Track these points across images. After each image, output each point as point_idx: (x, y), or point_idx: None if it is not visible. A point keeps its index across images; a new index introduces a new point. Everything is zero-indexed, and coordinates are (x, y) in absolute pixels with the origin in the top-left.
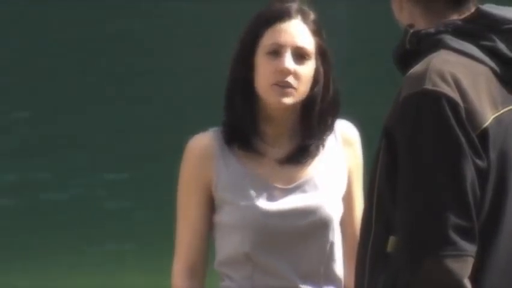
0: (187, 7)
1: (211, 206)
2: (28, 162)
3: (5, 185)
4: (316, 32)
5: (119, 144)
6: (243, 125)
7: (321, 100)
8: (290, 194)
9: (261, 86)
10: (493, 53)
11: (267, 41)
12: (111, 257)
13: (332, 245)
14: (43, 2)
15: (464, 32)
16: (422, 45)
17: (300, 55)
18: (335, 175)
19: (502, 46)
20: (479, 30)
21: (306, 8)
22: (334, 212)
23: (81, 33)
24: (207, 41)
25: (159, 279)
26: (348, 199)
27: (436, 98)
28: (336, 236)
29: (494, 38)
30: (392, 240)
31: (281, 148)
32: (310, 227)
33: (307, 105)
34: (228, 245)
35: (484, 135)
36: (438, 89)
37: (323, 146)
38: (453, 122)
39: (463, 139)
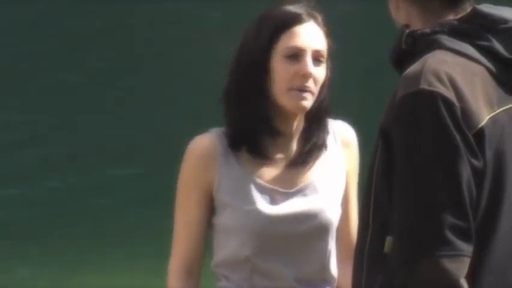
0: (186, 6)
1: (210, 207)
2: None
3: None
4: (328, 33)
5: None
6: (256, 128)
7: (326, 104)
8: (292, 197)
9: (279, 90)
10: (489, 52)
11: (284, 45)
12: (111, 257)
13: (331, 248)
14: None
15: (460, 31)
16: (418, 45)
17: (317, 58)
18: (335, 177)
19: (498, 46)
20: (476, 30)
21: (312, 9)
22: (334, 215)
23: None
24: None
25: (157, 279)
26: (344, 200)
27: (432, 97)
28: (334, 238)
29: (491, 38)
30: (389, 240)
31: (286, 152)
32: (311, 230)
33: (315, 110)
34: (227, 247)
35: (479, 135)
36: (434, 88)
37: (326, 148)
38: (449, 121)
39: (458, 139)
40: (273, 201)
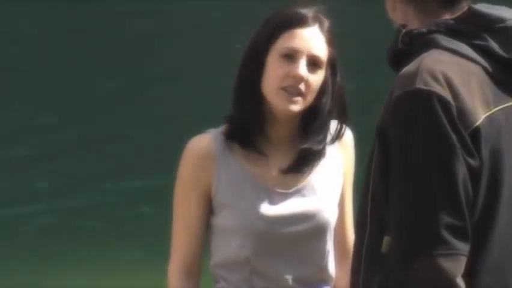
0: (194, 6)
1: (208, 208)
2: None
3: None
4: (331, 41)
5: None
6: (248, 124)
7: (328, 111)
8: (290, 198)
9: (269, 88)
10: (485, 52)
11: (282, 44)
12: (112, 257)
13: (329, 248)
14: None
15: (456, 31)
16: (414, 44)
17: (313, 63)
18: (332, 178)
19: (494, 45)
20: (472, 29)
21: (321, 15)
22: (332, 215)
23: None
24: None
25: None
26: (340, 200)
27: (428, 97)
28: (332, 239)
29: (487, 37)
30: (386, 240)
31: (283, 153)
32: (309, 231)
33: (313, 114)
34: (226, 248)
35: (476, 134)
36: (429, 88)
37: (324, 152)
38: (444, 121)
39: (454, 138)
40: (271, 202)
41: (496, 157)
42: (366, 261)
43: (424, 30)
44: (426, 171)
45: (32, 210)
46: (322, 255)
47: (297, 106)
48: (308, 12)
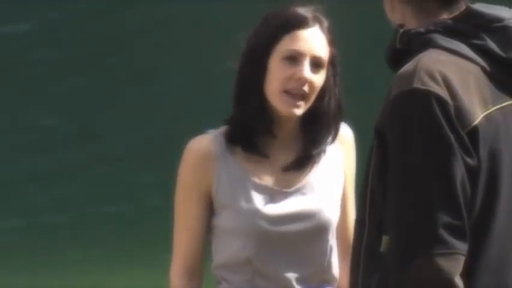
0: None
1: (209, 208)
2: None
3: None
4: (331, 41)
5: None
6: (250, 125)
7: (329, 110)
8: (291, 197)
9: (272, 90)
10: (483, 51)
11: (284, 46)
12: (113, 257)
13: (331, 247)
14: None
15: (454, 31)
16: (412, 44)
17: (316, 64)
18: (333, 177)
19: (492, 45)
20: (470, 29)
21: (320, 14)
22: (333, 214)
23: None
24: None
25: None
26: (342, 200)
27: (425, 96)
28: (334, 238)
29: (485, 36)
30: (385, 239)
31: (284, 153)
32: (311, 230)
33: (314, 113)
34: (227, 249)
35: (473, 133)
36: (427, 87)
37: (325, 151)
38: (442, 120)
39: (452, 138)
40: (272, 201)
41: (494, 156)
42: (365, 261)
43: (422, 30)
44: (424, 170)
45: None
46: (324, 255)
47: (301, 109)
48: (307, 12)
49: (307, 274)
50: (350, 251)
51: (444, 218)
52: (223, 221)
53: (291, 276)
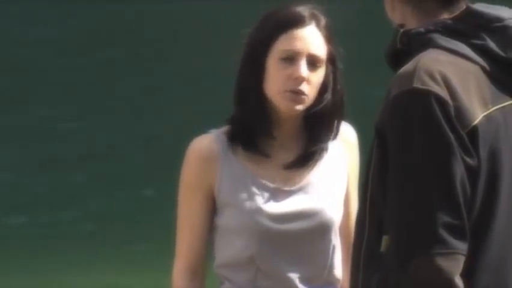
0: (196, 6)
1: (212, 208)
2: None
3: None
4: (329, 38)
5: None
6: (251, 124)
7: (330, 108)
8: (293, 195)
9: (272, 91)
10: (483, 51)
11: (281, 46)
12: (114, 257)
13: (334, 247)
14: None
15: (454, 30)
16: (412, 44)
17: (313, 62)
18: (336, 177)
19: (492, 45)
20: (470, 29)
21: (318, 12)
22: (336, 213)
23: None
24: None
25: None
26: (345, 200)
27: (425, 96)
28: (337, 238)
29: (485, 36)
30: (385, 239)
31: (285, 151)
32: (313, 229)
33: (315, 112)
34: (230, 248)
35: (473, 133)
36: (427, 87)
37: (326, 150)
38: (442, 120)
39: (452, 137)
40: (275, 199)
41: (494, 156)
42: (365, 261)
43: (422, 29)
44: (424, 171)
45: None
46: (326, 254)
47: (301, 106)
48: (304, 10)
49: (309, 274)
50: None
51: (444, 218)
52: (226, 219)
53: (294, 275)
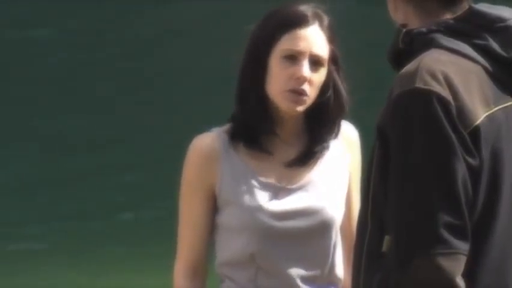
0: (198, 6)
1: (213, 207)
2: None
3: None
4: (332, 38)
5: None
6: (253, 123)
7: (332, 107)
8: (294, 193)
9: (274, 90)
10: (485, 51)
11: (284, 45)
12: (115, 257)
13: (335, 246)
14: None
15: (456, 30)
16: (414, 44)
17: (315, 62)
18: (337, 176)
19: (494, 45)
20: (472, 29)
21: (321, 11)
22: (336, 212)
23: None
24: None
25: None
26: (346, 199)
27: (427, 96)
28: (338, 237)
29: (487, 36)
30: (387, 239)
31: (287, 149)
32: (314, 227)
33: (317, 110)
34: (231, 247)
35: (475, 133)
36: (429, 87)
37: (328, 148)
38: (444, 120)
39: (453, 137)
40: (276, 197)
41: (496, 156)
42: (367, 262)
43: (424, 29)
44: (426, 171)
45: None
46: (327, 253)
47: (302, 106)
48: (307, 10)
49: (310, 273)
50: None
51: (445, 218)
52: (227, 217)
53: (294, 274)
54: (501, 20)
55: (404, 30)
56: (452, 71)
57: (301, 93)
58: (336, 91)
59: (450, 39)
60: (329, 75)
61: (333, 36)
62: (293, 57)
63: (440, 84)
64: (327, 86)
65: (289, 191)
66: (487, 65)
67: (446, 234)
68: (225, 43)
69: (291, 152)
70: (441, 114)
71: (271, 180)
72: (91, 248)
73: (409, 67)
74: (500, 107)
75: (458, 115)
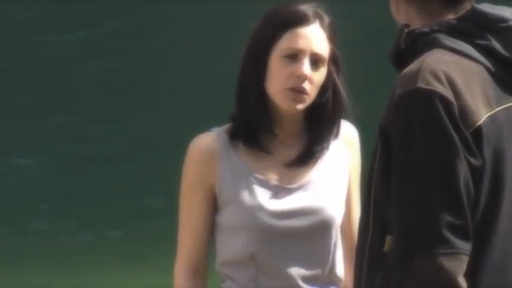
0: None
1: (213, 206)
2: None
3: None
4: (332, 38)
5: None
6: (253, 122)
7: (331, 107)
8: (294, 193)
9: (274, 88)
10: (488, 52)
11: (284, 44)
12: (116, 257)
13: (335, 246)
14: None
15: (458, 31)
16: (417, 44)
17: (315, 61)
18: (337, 175)
19: (497, 45)
20: (474, 29)
21: (321, 11)
22: (336, 212)
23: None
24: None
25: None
26: (346, 199)
27: (429, 96)
28: (338, 237)
29: (489, 37)
30: (389, 239)
31: (287, 149)
32: (314, 226)
33: (317, 110)
34: (231, 246)
35: (477, 133)
36: (431, 87)
37: (328, 148)
38: (446, 120)
39: (456, 137)
40: (275, 197)
41: (498, 156)
42: (368, 262)
43: (426, 29)
44: (428, 170)
45: None
46: (328, 253)
47: (302, 105)
48: (308, 9)
49: (311, 272)
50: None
51: (447, 218)
52: (227, 217)
53: (295, 274)
54: (503, 20)
55: (407, 30)
56: (454, 71)
57: (302, 91)
58: (336, 91)
59: (452, 39)
60: (329, 75)
61: (334, 35)
62: (294, 56)
63: (442, 84)
64: (327, 86)
65: (289, 191)
66: (489, 65)
67: (448, 234)
68: (225, 45)
69: (291, 151)
70: (443, 114)
71: (271, 180)
72: (90, 248)
73: (411, 67)
74: (502, 107)
75: (460, 115)
